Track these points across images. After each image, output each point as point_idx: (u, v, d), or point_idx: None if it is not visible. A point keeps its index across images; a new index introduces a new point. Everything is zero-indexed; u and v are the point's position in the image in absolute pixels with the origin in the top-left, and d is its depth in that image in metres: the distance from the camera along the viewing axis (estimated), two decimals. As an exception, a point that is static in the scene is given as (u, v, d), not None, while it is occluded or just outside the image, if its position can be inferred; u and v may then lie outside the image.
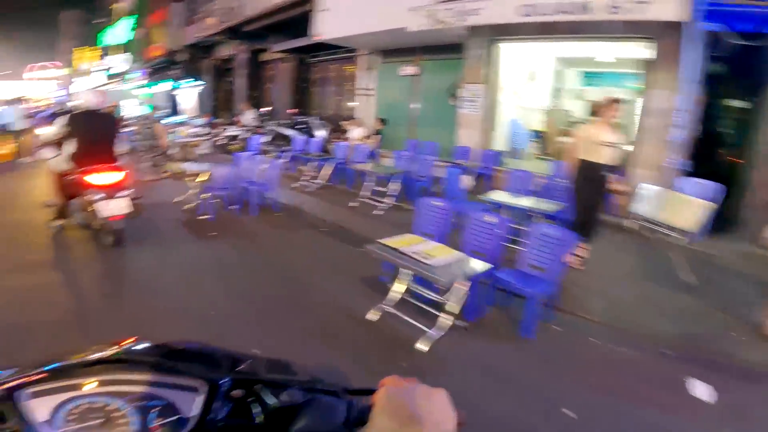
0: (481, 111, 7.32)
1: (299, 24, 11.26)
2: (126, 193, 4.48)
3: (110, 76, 27.15)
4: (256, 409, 0.61)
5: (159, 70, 20.43)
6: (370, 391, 0.58)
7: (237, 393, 0.61)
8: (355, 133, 9.45)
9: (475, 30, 6.86)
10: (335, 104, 12.85)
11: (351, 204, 6.14)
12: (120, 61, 24.98)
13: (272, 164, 6.18)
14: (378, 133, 9.56)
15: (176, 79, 18.67)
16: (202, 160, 9.60)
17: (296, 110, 12.62)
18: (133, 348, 0.67)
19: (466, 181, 6.75)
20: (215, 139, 11.77)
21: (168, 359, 0.65)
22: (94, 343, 0.68)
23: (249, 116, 12.39)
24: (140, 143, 9.01)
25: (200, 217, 5.59)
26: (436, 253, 3.00)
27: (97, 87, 27.26)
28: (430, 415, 0.52)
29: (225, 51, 15.86)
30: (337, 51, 11.33)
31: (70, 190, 4.61)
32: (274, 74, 14.81)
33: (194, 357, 0.69)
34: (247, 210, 5.88)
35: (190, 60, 17.18)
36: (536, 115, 9.22)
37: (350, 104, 11.79)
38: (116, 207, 4.38)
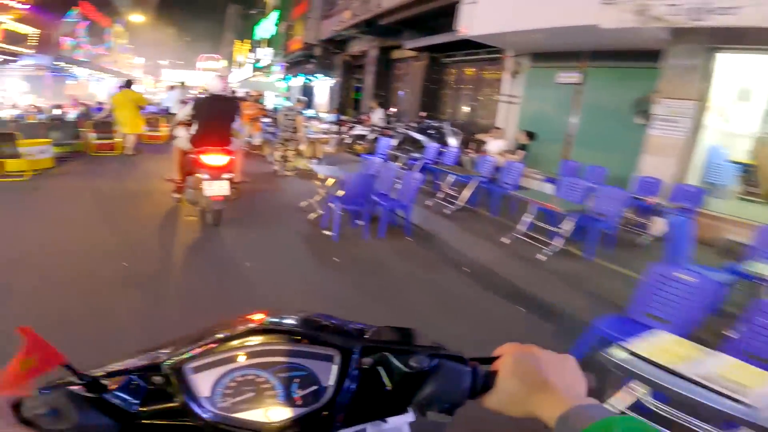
0: (685, 134, 5.57)
1: (436, 19, 10.37)
2: (229, 176, 4.68)
3: (256, 69, 29.50)
4: (385, 376, 0.61)
5: (296, 64, 21.33)
6: (488, 360, 0.61)
7: (367, 361, 0.61)
8: (494, 146, 8.22)
9: (684, 34, 5.17)
10: (469, 111, 11.72)
11: (502, 239, 4.96)
12: (265, 54, 26.91)
13: (408, 177, 5.32)
14: (522, 148, 8.21)
15: (310, 73, 19.24)
16: (329, 158, 9.28)
17: (425, 114, 11.79)
18: (273, 319, 0.66)
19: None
20: (342, 137, 11.49)
21: (304, 329, 0.64)
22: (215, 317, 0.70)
23: (377, 116, 11.90)
24: (277, 134, 8.91)
25: (324, 232, 4.96)
26: (745, 380, 1.72)
27: (221, 74, 29.80)
28: (562, 379, 0.53)
29: (357, 47, 15.71)
30: (477, 51, 10.17)
31: (188, 167, 5.00)
32: (403, 74, 14.20)
33: (326, 327, 0.66)
34: (375, 228, 5.09)
35: (323, 55, 17.47)
36: (744, 143, 7.01)
37: (487, 112, 10.56)
38: (218, 188, 4.58)
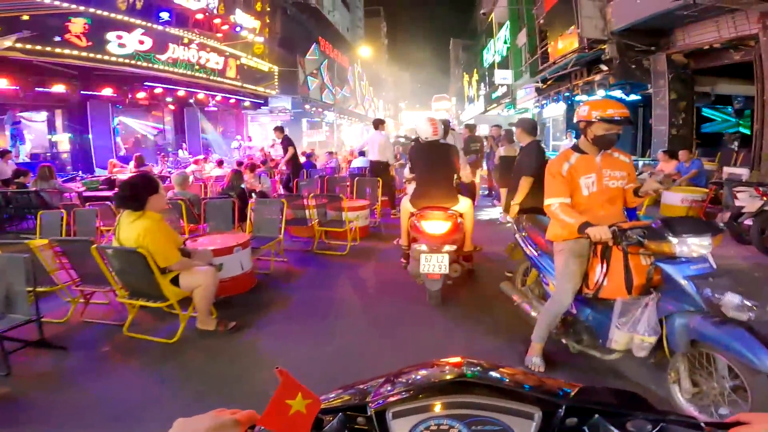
0: None
1: None
2: (451, 247, 3.60)
3: (493, 100, 25.14)
4: None
5: (560, 80, 15.48)
6: (725, 425, 0.55)
7: (571, 421, 0.58)
8: None
9: None
10: None
11: None
12: (503, 78, 21.96)
13: None
14: None
15: (594, 88, 13.23)
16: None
17: None
18: (473, 370, 0.66)
19: None
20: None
21: (504, 383, 0.64)
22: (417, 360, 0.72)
23: None
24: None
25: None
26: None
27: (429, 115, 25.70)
28: None
29: (707, 32, 8.96)
30: None
31: (411, 233, 4.04)
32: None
33: (528, 383, 0.65)
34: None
35: (620, 56, 11.24)
36: None
37: None
38: (435, 264, 3.51)
